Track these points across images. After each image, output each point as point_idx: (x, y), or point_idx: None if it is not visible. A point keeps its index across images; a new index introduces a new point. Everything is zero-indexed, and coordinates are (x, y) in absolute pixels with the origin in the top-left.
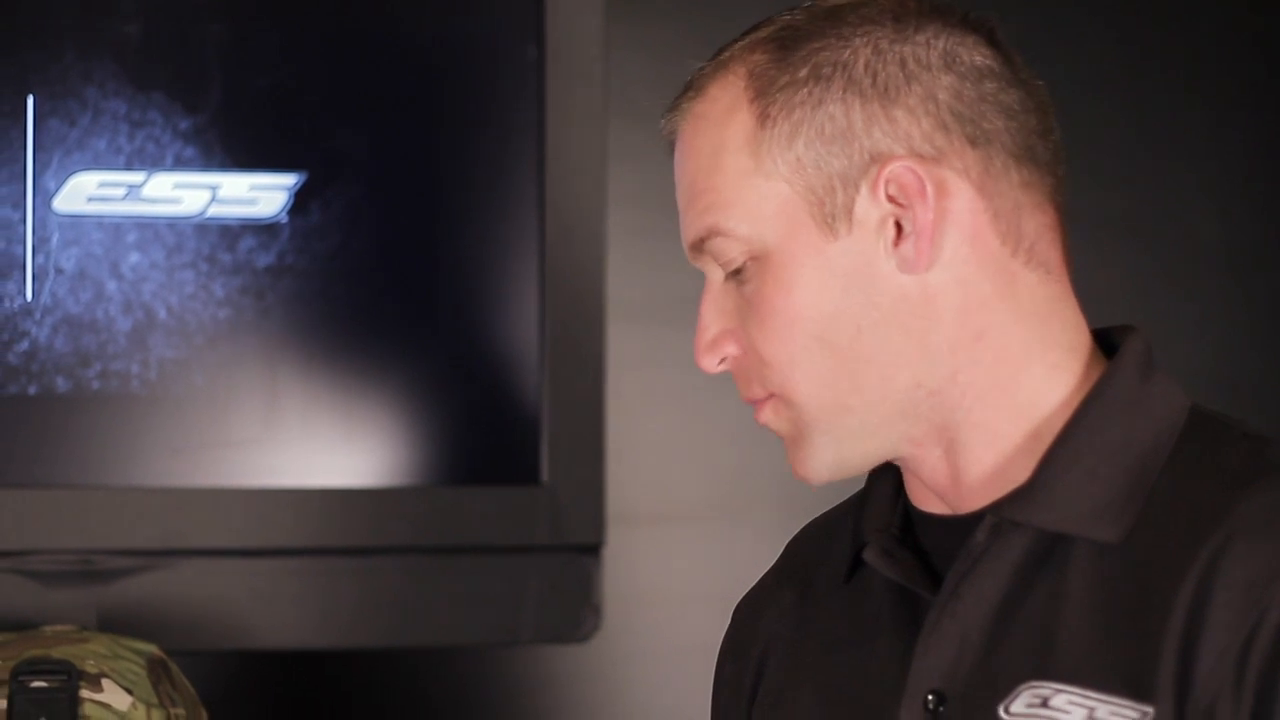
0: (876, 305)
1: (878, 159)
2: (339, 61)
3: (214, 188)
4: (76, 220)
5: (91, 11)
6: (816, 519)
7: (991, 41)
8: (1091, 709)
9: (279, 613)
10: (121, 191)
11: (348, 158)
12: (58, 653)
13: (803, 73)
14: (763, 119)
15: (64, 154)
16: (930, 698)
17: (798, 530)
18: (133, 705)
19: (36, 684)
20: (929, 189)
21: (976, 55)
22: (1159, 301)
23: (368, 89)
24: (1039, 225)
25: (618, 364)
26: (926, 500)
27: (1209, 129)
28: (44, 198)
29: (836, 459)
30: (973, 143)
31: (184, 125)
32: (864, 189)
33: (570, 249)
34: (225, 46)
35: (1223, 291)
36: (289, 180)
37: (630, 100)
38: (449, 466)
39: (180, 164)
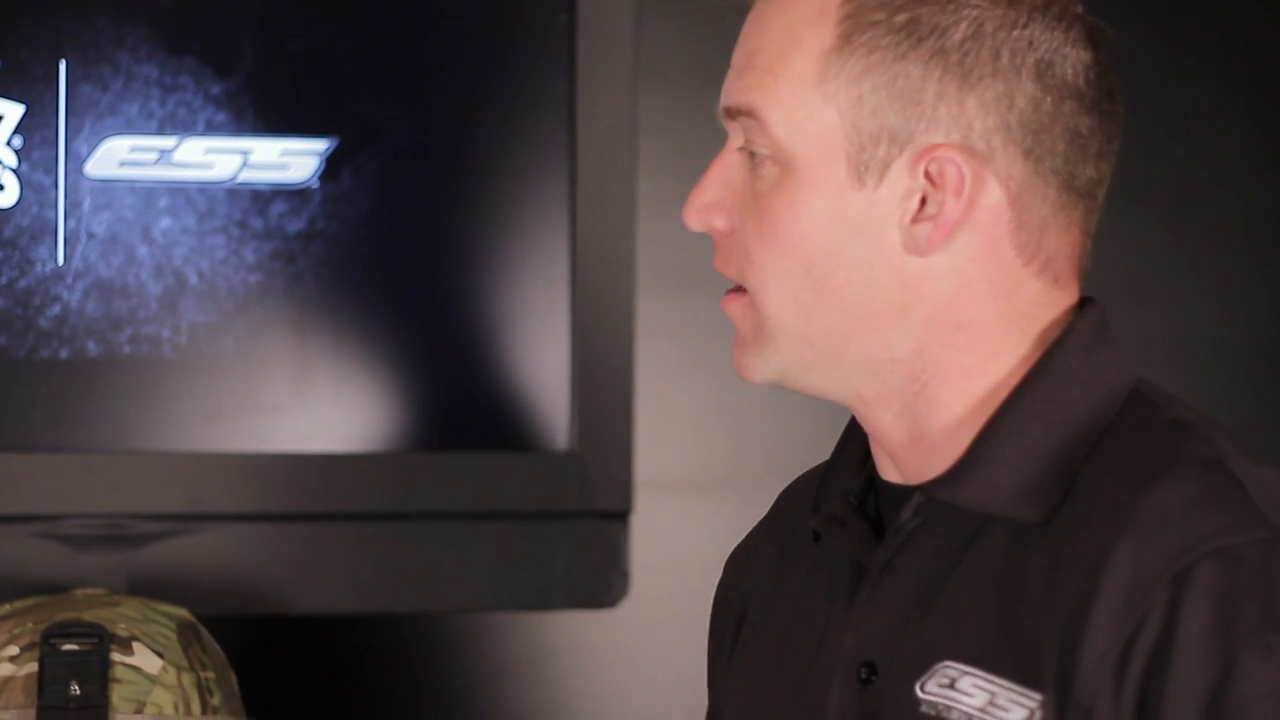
0: (871, 265)
1: (932, 134)
2: (371, 27)
3: (245, 153)
4: (108, 185)
5: None
6: (808, 472)
7: (1096, 59)
8: (993, 694)
9: (308, 578)
10: (153, 156)
11: (379, 124)
12: (89, 616)
13: (900, 19)
14: (843, 43)
15: (96, 119)
16: (863, 669)
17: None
18: (163, 668)
19: (67, 647)
20: (967, 187)
21: (1070, 70)
22: (1180, 276)
23: (399, 55)
24: (1060, 244)
25: (647, 332)
26: (887, 468)
27: (1231, 105)
28: (76, 163)
29: (778, 375)
30: (1026, 154)
31: (216, 90)
32: (907, 154)
33: (600, 217)
34: (257, 11)
35: (1244, 265)
36: (320, 145)
37: (661, 68)
38: (478, 432)
39: (212, 129)
